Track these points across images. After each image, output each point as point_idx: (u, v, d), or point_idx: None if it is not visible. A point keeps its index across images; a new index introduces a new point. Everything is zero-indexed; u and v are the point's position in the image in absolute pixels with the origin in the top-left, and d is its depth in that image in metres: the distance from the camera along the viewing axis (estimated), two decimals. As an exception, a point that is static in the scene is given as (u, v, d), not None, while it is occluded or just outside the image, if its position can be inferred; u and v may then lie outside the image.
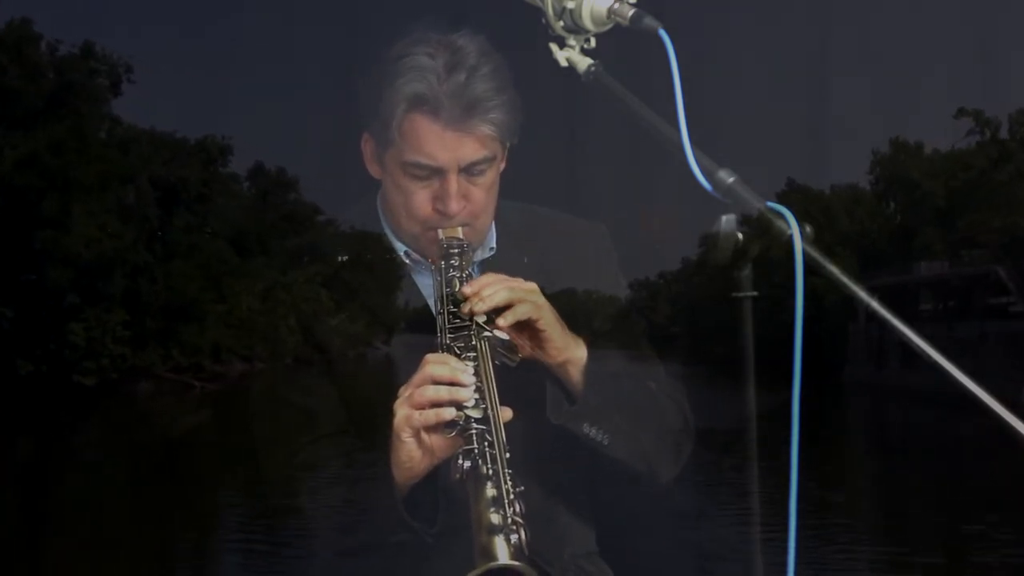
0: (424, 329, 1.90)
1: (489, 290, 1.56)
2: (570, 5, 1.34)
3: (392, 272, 1.90)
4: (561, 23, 1.37)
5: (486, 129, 1.65)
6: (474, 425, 1.43)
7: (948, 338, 39.56)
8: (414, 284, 1.88)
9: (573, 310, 1.70)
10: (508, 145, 1.75)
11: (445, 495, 1.54)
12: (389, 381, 1.87)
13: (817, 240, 1.17)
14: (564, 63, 1.38)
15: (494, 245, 1.83)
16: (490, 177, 1.72)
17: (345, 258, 1.98)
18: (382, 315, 1.98)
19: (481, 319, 1.56)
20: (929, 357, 1.15)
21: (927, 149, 64.15)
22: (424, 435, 1.49)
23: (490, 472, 1.38)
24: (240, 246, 56.52)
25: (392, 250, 1.88)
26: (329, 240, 2.34)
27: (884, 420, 37.58)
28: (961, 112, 58.08)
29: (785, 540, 1.19)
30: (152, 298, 46.14)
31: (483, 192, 1.71)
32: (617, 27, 1.33)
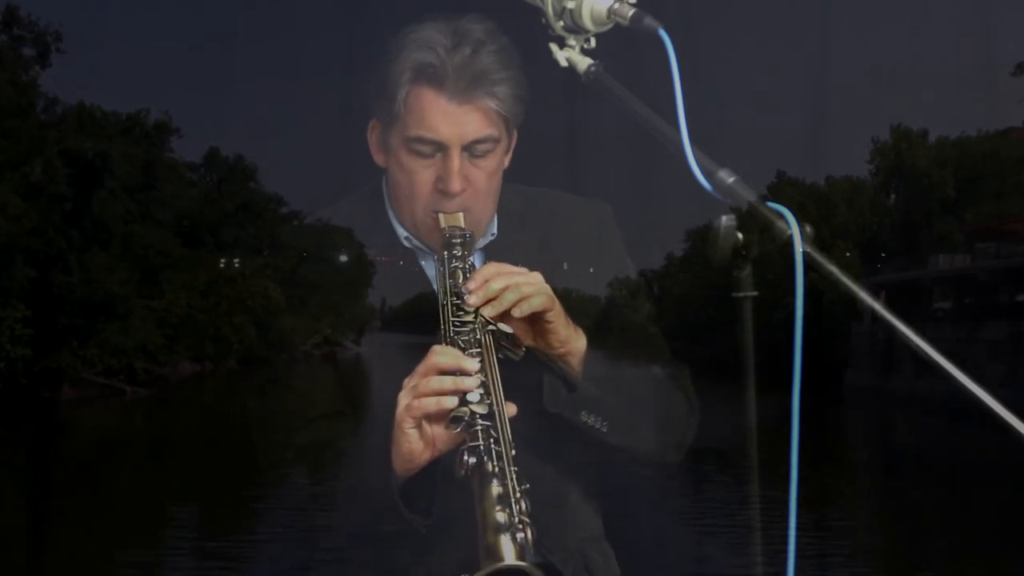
0: (404, 328, 2.01)
1: (496, 285, 1.68)
2: (570, 5, 1.46)
3: (364, 269, 2.01)
4: (561, 23, 1.49)
5: (491, 103, 1.78)
6: (479, 421, 1.53)
7: (972, 339, 38.90)
8: (393, 282, 2.00)
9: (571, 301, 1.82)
10: (514, 135, 1.88)
11: (443, 485, 1.65)
12: (355, 382, 1.98)
13: (815, 234, 1.26)
14: (564, 63, 1.50)
15: (495, 231, 1.95)
16: (493, 162, 1.84)
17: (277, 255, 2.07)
18: (349, 313, 2.09)
19: (488, 312, 1.67)
20: (930, 358, 1.22)
21: (931, 138, 63.97)
22: (426, 426, 1.60)
23: (496, 470, 1.48)
24: (192, 237, 55.36)
25: (363, 245, 2.00)
26: (291, 233, 2.43)
27: (890, 431, 36.88)
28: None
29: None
30: (66, 292, 43.44)
31: (485, 176, 1.84)
32: (617, 27, 1.45)
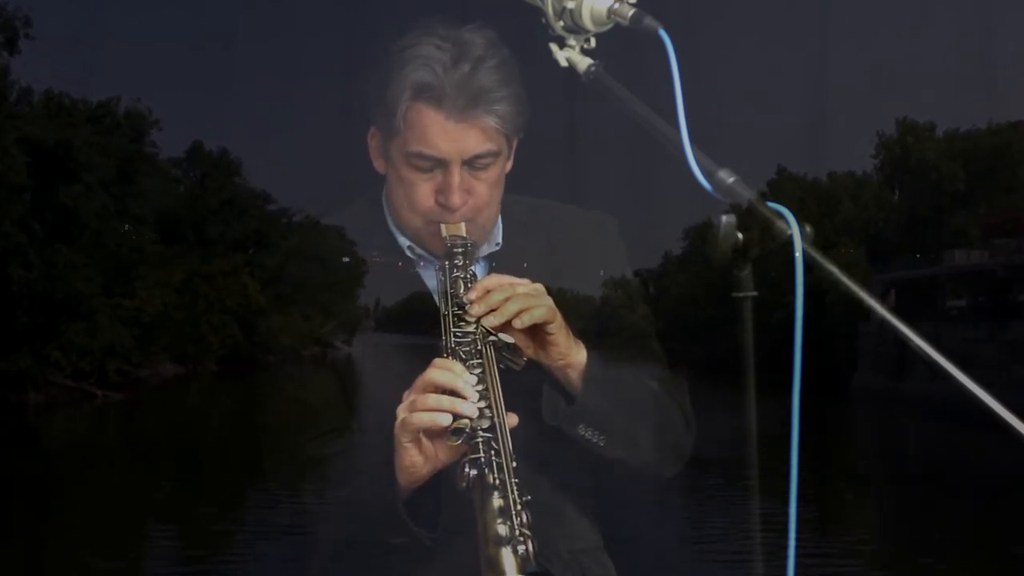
0: (398, 329, 2.07)
1: (498, 296, 1.75)
2: (570, 5, 1.53)
3: (356, 268, 2.08)
4: (561, 23, 1.55)
5: (490, 121, 1.84)
6: (480, 433, 1.59)
7: (991, 340, 38.63)
8: (387, 282, 2.06)
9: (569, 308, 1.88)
10: (514, 143, 1.95)
11: (448, 497, 1.71)
12: (354, 389, 2.03)
13: (817, 231, 1.32)
14: (564, 63, 1.57)
15: (500, 240, 2.02)
16: (494, 173, 1.91)
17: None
18: (339, 313, 2.15)
19: (489, 322, 1.73)
20: (930, 358, 1.24)
21: (938, 131, 63.87)
22: (425, 440, 1.66)
23: (496, 482, 1.54)
24: (172, 234, 54.62)
25: (354, 243, 2.06)
26: (278, 230, 2.48)
27: (903, 438, 35.75)
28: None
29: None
30: (25, 289, 42.10)
31: (486, 188, 1.90)
32: (617, 27, 1.51)
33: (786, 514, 1.30)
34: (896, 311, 1.30)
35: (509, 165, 1.97)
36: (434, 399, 1.65)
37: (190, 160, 67.43)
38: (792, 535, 1.30)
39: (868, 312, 1.37)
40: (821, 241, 1.30)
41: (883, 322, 1.30)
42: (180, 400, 48.57)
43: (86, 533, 17.14)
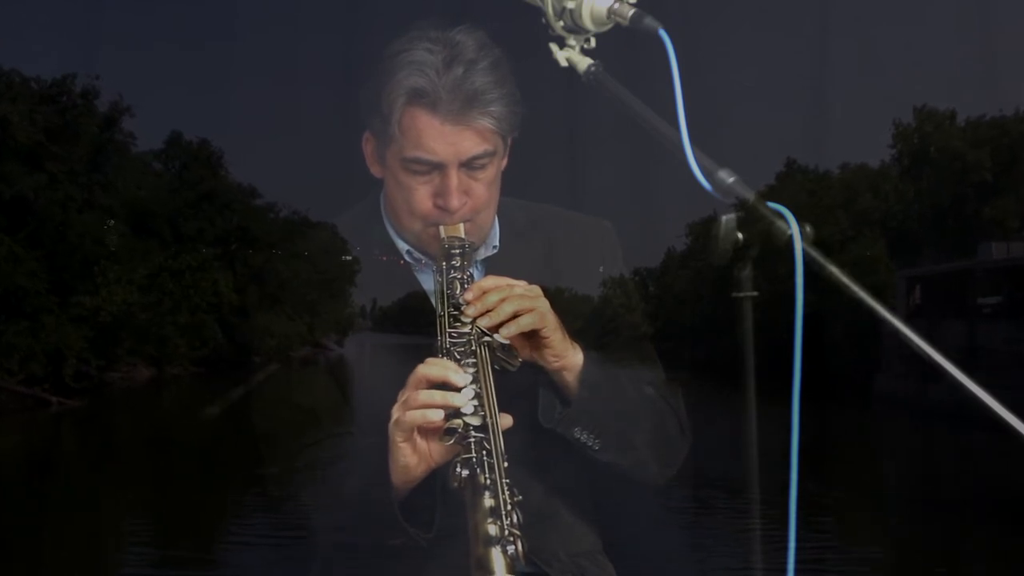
0: (394, 330, 2.17)
1: (493, 297, 1.86)
2: (570, 5, 1.64)
3: (345, 266, 2.19)
4: (561, 23, 1.66)
5: (485, 122, 1.97)
6: (473, 433, 1.71)
7: None
8: (384, 282, 2.17)
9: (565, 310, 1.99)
10: (509, 141, 2.07)
11: (444, 497, 1.83)
12: (349, 391, 2.14)
13: (832, 224, 1.39)
14: (564, 63, 1.67)
15: (497, 243, 2.15)
16: (491, 172, 2.04)
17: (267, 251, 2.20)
18: (328, 312, 2.25)
19: (483, 323, 1.85)
20: (932, 359, 1.30)
21: (959, 119, 63.51)
22: (419, 439, 1.78)
23: (488, 482, 1.66)
24: (145, 228, 54.09)
25: (345, 241, 2.17)
26: (264, 226, 2.57)
27: (932, 451, 33.07)
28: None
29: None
30: None
31: (484, 187, 2.03)
32: (617, 27, 1.62)
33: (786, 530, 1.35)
34: (921, 309, 1.33)
35: (504, 162, 2.09)
36: (426, 394, 1.76)
37: (169, 151, 66.83)
38: (791, 547, 1.38)
39: (894, 308, 1.41)
40: (837, 234, 1.35)
41: (908, 320, 1.35)
42: (145, 407, 47.13)
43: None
